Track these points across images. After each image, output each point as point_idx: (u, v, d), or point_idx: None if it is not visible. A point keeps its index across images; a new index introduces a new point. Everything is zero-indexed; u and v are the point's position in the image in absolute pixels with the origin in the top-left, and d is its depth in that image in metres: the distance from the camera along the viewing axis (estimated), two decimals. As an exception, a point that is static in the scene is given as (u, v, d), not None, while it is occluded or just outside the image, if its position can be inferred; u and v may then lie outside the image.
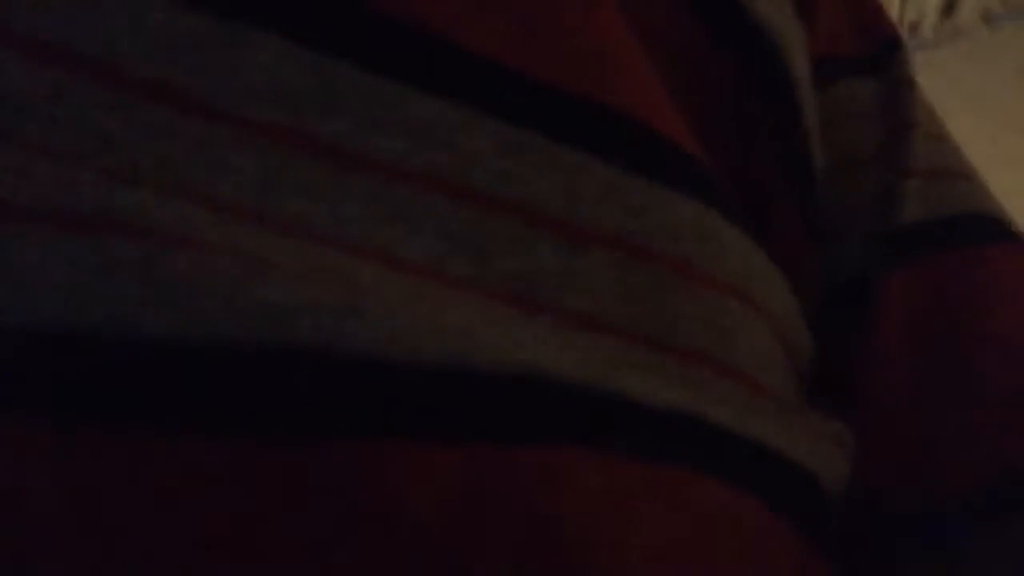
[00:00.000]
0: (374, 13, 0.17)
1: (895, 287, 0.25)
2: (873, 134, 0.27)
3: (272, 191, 0.16)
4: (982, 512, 0.22)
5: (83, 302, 0.13)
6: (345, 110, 0.17)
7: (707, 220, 0.20)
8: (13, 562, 0.12)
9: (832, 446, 0.21)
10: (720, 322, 0.20)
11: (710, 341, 0.19)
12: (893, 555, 0.22)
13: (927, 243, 0.25)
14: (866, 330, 0.24)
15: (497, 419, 0.15)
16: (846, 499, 0.21)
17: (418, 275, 0.16)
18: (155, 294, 0.13)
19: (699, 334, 0.19)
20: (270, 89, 0.16)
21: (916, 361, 0.24)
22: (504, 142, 0.18)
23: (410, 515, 0.14)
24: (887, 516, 0.22)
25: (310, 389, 0.14)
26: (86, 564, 0.12)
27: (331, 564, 0.14)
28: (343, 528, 0.14)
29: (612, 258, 0.18)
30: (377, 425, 0.14)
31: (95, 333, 0.13)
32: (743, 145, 0.23)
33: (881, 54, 0.29)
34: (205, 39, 0.16)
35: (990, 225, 0.26)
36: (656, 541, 0.17)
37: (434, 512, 0.14)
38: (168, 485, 0.13)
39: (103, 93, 0.15)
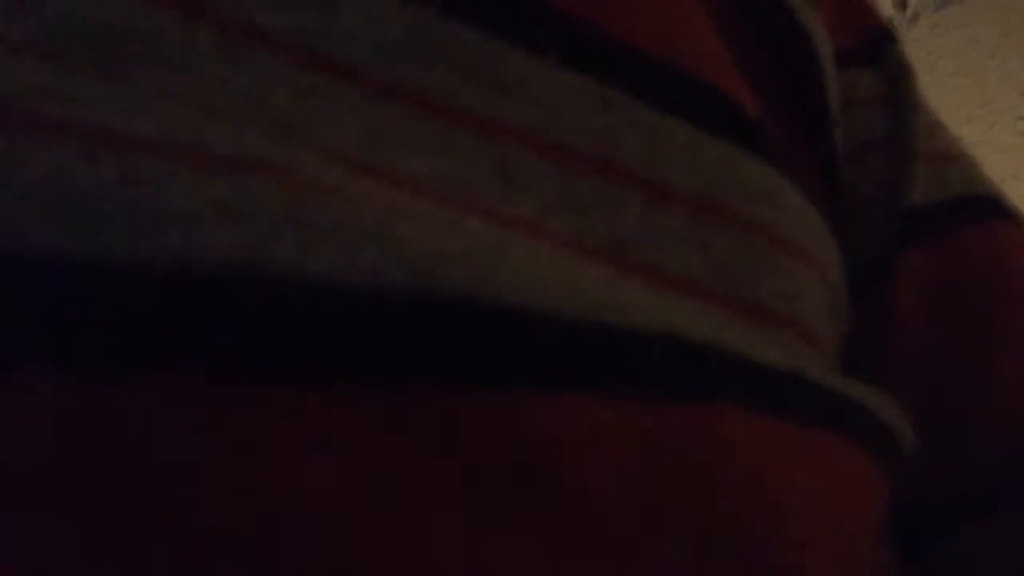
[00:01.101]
0: None
1: (913, 264, 0.25)
2: (878, 120, 0.28)
3: (379, 144, 0.15)
4: (1013, 478, 0.22)
5: (235, 243, 0.12)
6: (444, 63, 0.16)
7: (775, 182, 0.20)
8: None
9: (898, 407, 0.21)
10: (792, 284, 0.20)
11: (785, 302, 0.19)
12: (922, 529, 0.23)
13: (940, 221, 0.26)
14: (888, 306, 0.25)
15: (650, 377, 0.15)
16: None
17: (527, 231, 0.16)
18: (309, 237, 0.13)
19: (776, 295, 0.19)
20: (370, 39, 0.16)
21: (940, 335, 0.24)
22: (595, 100, 0.18)
23: (592, 468, 0.14)
24: (919, 488, 0.23)
25: (467, 338, 0.13)
26: (248, 506, 0.12)
27: (491, 516, 0.13)
28: (511, 480, 0.13)
29: (694, 218, 0.18)
30: (539, 378, 0.14)
31: (249, 275, 0.12)
32: (780, 129, 0.23)
33: (876, 46, 0.30)
34: None
35: (993, 204, 0.27)
36: (809, 503, 0.17)
37: (616, 463, 0.14)
38: (321, 434, 0.12)
39: (214, 39, 0.14)
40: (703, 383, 0.16)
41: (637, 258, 0.17)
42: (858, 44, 0.30)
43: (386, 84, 0.15)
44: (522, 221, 0.16)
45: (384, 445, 0.12)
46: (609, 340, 0.15)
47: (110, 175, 0.12)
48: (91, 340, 0.11)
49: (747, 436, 0.16)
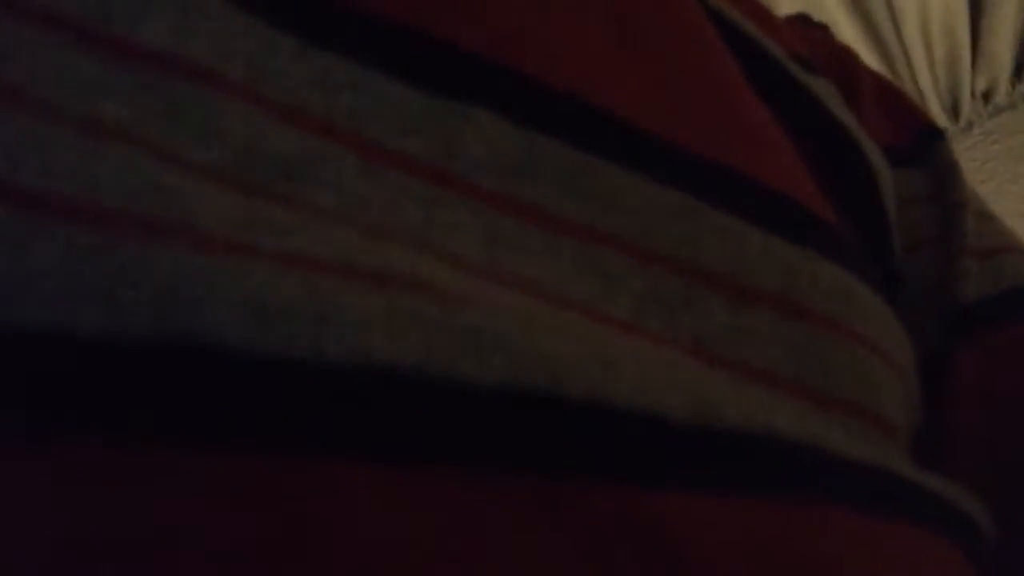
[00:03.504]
0: (558, 90, 0.19)
1: (967, 361, 0.25)
2: (928, 218, 0.29)
3: (494, 250, 0.17)
4: None
5: (392, 348, 0.14)
6: (551, 179, 0.18)
7: (849, 281, 0.21)
8: None
9: (976, 498, 0.21)
10: (871, 378, 0.20)
11: (865, 396, 0.20)
12: None
13: (992, 317, 0.26)
14: (944, 404, 0.25)
15: (751, 476, 0.16)
16: None
17: (625, 330, 0.17)
18: (452, 343, 0.14)
19: (854, 387, 0.20)
20: (488, 159, 0.17)
21: (997, 429, 0.24)
22: (681, 209, 0.19)
23: (700, 564, 0.15)
24: None
25: (588, 437, 0.15)
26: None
27: None
28: (632, 564, 0.14)
29: (774, 316, 0.19)
30: (644, 475, 0.15)
31: (414, 377, 0.14)
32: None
33: (922, 143, 0.31)
34: (428, 112, 0.17)
35: None
36: None
37: (714, 559, 0.15)
38: (458, 521, 0.13)
39: (354, 158, 0.16)
40: (801, 481, 0.17)
41: (724, 355, 0.18)
42: (905, 143, 0.31)
43: (501, 197, 0.17)
44: (620, 321, 0.17)
45: (524, 527, 0.14)
46: (713, 440, 0.16)
47: (299, 291, 0.14)
48: (240, 423, 0.13)
49: (844, 533, 0.17)
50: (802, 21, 0.37)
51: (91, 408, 0.13)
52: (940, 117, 1.21)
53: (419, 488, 0.13)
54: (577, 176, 0.18)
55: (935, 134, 0.31)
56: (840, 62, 0.32)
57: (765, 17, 0.30)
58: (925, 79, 1.19)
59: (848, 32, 1.17)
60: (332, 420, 0.13)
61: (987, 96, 1.17)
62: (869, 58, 1.15)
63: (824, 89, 0.28)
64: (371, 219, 0.16)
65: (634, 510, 0.15)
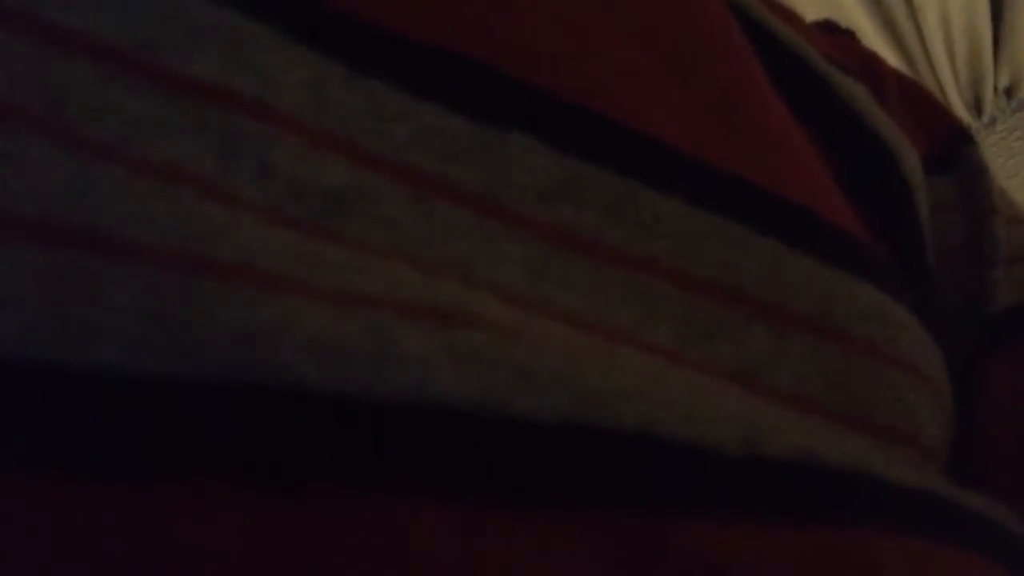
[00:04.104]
0: (597, 114, 0.19)
1: (997, 370, 0.25)
2: (958, 225, 0.28)
3: (539, 281, 0.17)
4: None
5: (452, 385, 0.14)
6: (591, 204, 0.18)
7: (886, 304, 0.21)
8: None
9: (1016, 515, 0.21)
10: (909, 401, 0.20)
11: (903, 419, 0.20)
12: None
13: (1021, 323, 0.26)
14: (974, 417, 0.24)
15: (800, 504, 0.16)
16: None
17: (667, 358, 0.17)
18: (509, 379, 0.14)
19: (893, 411, 0.20)
20: (531, 185, 0.18)
21: None
22: (720, 233, 0.19)
23: None
24: None
25: (643, 469, 0.15)
26: None
27: None
28: None
29: (813, 340, 0.19)
30: (698, 506, 0.15)
31: (461, 412, 0.14)
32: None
33: (952, 149, 0.30)
34: (474, 139, 0.17)
35: None
36: None
37: None
38: (519, 554, 0.14)
39: (404, 190, 0.16)
40: (850, 507, 0.17)
41: (764, 381, 0.18)
42: (935, 149, 0.30)
43: (545, 225, 0.17)
44: (663, 348, 0.18)
45: (584, 560, 0.14)
46: (763, 469, 0.16)
47: (359, 329, 0.14)
48: (313, 459, 0.13)
49: (895, 558, 0.17)
50: (827, 27, 0.36)
51: (185, 447, 0.13)
52: (963, 113, 1.20)
53: (479, 522, 0.14)
54: (618, 201, 0.18)
55: (963, 138, 0.31)
56: (868, 67, 0.32)
57: (800, 24, 0.29)
58: (947, 76, 1.18)
59: (867, 30, 1.17)
60: (396, 455, 0.14)
61: (1010, 92, 1.16)
62: (889, 56, 1.14)
63: (862, 95, 0.27)
64: (420, 251, 0.16)
65: (689, 541, 0.15)
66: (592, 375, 0.15)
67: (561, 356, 0.15)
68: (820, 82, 0.26)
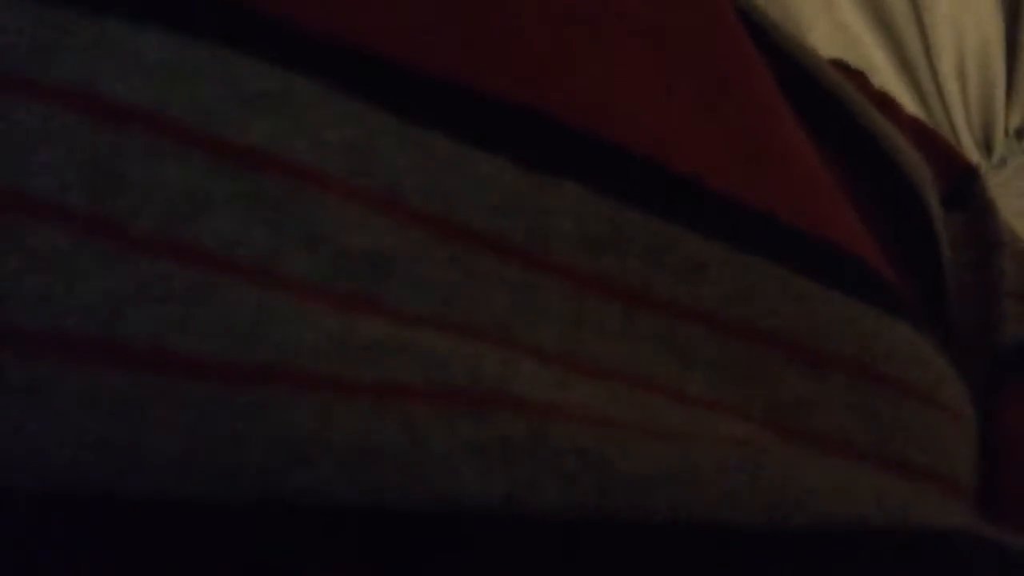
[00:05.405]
0: (640, 157, 0.18)
1: (1009, 407, 0.25)
2: (967, 260, 0.29)
3: (578, 333, 0.17)
4: None
5: (480, 486, 0.14)
6: (633, 251, 0.18)
7: (916, 342, 0.21)
8: None
9: None
10: (943, 440, 0.20)
11: (939, 459, 0.20)
12: None
13: None
14: (988, 451, 0.24)
15: (830, 571, 0.16)
16: None
17: (702, 406, 0.17)
18: (538, 471, 0.14)
19: (930, 452, 0.20)
20: (576, 233, 0.17)
21: None
22: (758, 275, 0.19)
23: None
24: None
25: (668, 559, 0.15)
26: None
27: None
28: None
29: (849, 381, 0.19)
30: None
31: (489, 512, 0.14)
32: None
33: (960, 185, 0.32)
34: (520, 188, 0.17)
35: None
36: None
37: None
38: None
39: (446, 247, 0.16)
40: (900, 561, 0.17)
41: (799, 425, 0.18)
42: (945, 187, 0.31)
43: (587, 274, 0.17)
44: (697, 397, 0.17)
45: None
46: (796, 542, 0.16)
47: (395, 430, 0.14)
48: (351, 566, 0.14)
49: None
50: (841, 67, 0.37)
51: (208, 571, 0.13)
52: (973, 153, 1.22)
53: None
54: (661, 248, 0.18)
55: (971, 175, 0.32)
56: (881, 107, 0.33)
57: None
58: (959, 116, 1.21)
59: (883, 68, 1.19)
60: (422, 561, 0.13)
61: (1020, 133, 1.18)
62: (904, 95, 1.17)
63: (892, 130, 0.28)
64: (460, 314, 0.15)
65: None
66: (624, 457, 0.15)
67: (590, 433, 0.15)
68: (850, 115, 0.27)
